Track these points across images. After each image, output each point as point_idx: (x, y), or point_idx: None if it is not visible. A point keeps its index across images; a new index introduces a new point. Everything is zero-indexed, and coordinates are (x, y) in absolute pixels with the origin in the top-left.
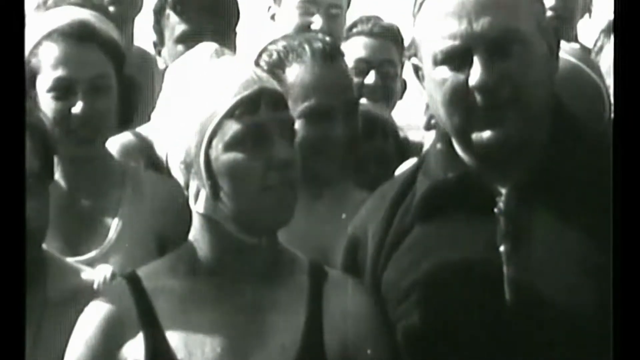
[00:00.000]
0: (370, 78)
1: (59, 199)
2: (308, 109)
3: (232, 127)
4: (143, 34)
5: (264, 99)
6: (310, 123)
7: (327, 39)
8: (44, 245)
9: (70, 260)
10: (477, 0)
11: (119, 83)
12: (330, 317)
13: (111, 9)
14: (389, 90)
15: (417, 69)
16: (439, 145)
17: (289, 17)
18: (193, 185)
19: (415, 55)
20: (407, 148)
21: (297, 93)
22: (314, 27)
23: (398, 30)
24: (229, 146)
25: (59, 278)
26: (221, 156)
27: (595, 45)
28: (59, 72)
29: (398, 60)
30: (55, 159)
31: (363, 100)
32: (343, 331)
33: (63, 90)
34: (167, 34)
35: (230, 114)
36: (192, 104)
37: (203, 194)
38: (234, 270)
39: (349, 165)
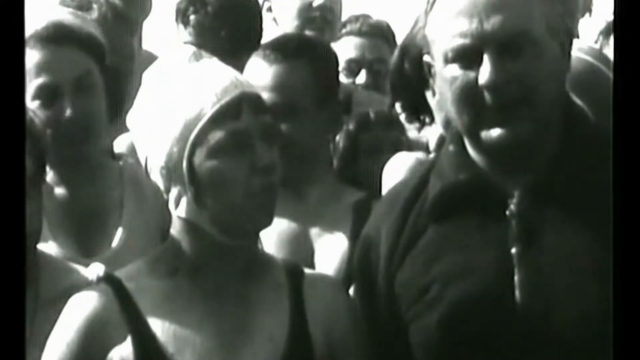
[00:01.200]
0: (361, 78)
1: (62, 203)
2: None
3: (215, 135)
4: (150, 36)
5: (245, 103)
6: None
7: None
8: (52, 247)
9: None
10: None
11: (103, 76)
12: (312, 311)
13: None
14: (381, 89)
15: (428, 67)
16: (451, 147)
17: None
18: (174, 190)
19: (428, 52)
20: (410, 141)
21: None
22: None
23: (388, 27)
24: (212, 153)
25: (52, 277)
26: (204, 163)
27: None
28: (41, 79)
29: (389, 57)
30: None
31: (367, 93)
32: (326, 324)
33: (48, 96)
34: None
35: (212, 121)
36: (173, 109)
37: (185, 198)
38: (215, 270)
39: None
